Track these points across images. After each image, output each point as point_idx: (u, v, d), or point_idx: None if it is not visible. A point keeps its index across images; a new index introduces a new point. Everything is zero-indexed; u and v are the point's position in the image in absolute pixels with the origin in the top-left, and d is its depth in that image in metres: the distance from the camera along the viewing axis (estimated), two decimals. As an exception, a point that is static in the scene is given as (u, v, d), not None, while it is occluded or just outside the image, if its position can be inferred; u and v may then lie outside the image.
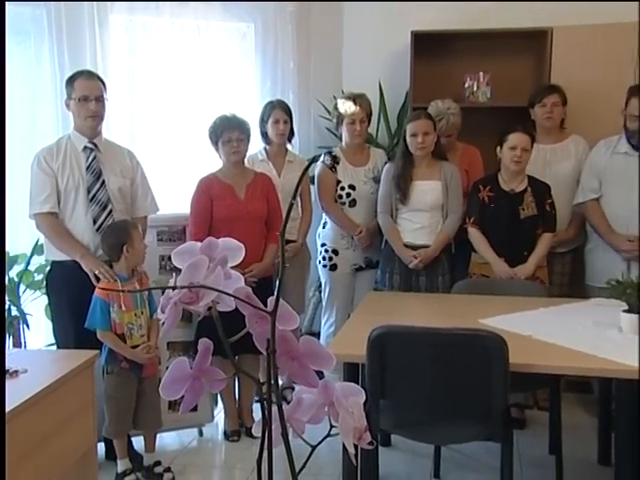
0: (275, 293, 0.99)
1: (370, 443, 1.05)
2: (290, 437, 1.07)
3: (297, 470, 1.00)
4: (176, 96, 4.44)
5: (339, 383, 1.09)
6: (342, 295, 4.18)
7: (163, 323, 1.02)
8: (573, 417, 3.83)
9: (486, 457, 3.31)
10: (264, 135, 4.09)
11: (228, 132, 3.57)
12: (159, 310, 1.03)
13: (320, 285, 4.41)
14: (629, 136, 3.75)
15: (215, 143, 3.64)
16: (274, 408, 0.99)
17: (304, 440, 1.08)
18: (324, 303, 4.30)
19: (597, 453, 3.44)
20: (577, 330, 2.81)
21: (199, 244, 1.09)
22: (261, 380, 1.03)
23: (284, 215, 0.97)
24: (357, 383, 2.76)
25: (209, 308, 1.03)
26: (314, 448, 1.06)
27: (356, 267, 4.16)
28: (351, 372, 2.74)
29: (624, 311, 2.74)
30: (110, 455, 3.34)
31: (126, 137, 4.12)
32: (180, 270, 1.03)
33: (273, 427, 1.01)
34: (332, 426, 1.06)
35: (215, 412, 3.88)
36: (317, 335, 4.48)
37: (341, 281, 4.17)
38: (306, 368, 1.04)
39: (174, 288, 1.01)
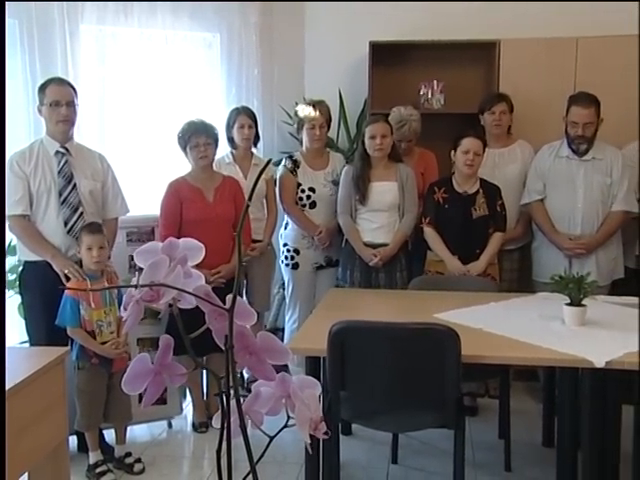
0: (233, 291, 0.98)
1: (325, 433, 1.04)
2: (250, 428, 1.07)
3: (255, 460, 0.99)
4: (145, 102, 4.39)
5: (296, 376, 1.09)
6: (304, 293, 4.17)
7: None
8: (521, 404, 3.89)
9: (441, 443, 3.33)
10: (230, 140, 4.08)
11: (196, 137, 3.54)
12: (122, 308, 1.01)
13: (284, 283, 4.40)
14: (570, 141, 3.81)
15: (184, 148, 3.61)
16: (232, 401, 0.98)
17: (262, 431, 1.07)
18: (287, 300, 4.29)
19: (542, 436, 3.49)
20: (524, 323, 2.84)
21: (160, 244, 1.08)
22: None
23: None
24: (319, 376, 2.76)
25: (170, 305, 1.02)
26: (272, 438, 1.05)
27: (317, 266, 4.16)
28: (313, 365, 2.73)
29: (566, 304, 2.78)
30: (82, 447, 3.29)
31: (97, 142, 4.05)
32: (143, 269, 1.01)
33: (232, 419, 1.00)
34: (289, 417, 1.05)
35: (184, 405, 3.85)
36: (281, 331, 4.48)
37: (303, 279, 4.16)
38: (263, 362, 1.03)
39: (136, 287, 0.99)
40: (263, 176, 4.08)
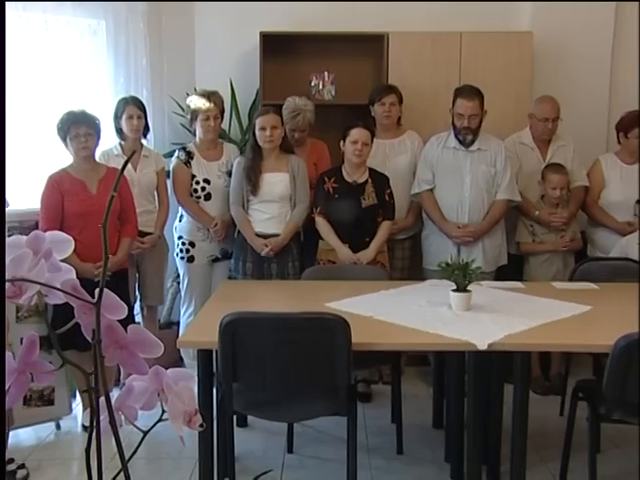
0: (100, 284, 0.95)
1: (201, 425, 1.03)
2: (125, 425, 1.04)
3: (128, 457, 0.97)
4: (24, 91, 4.17)
5: (171, 369, 1.06)
6: (200, 285, 4.12)
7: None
8: (413, 388, 4.00)
9: (336, 430, 3.38)
10: (119, 131, 3.96)
11: (75, 127, 3.41)
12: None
13: (178, 276, 4.33)
14: (456, 132, 3.93)
15: (63, 139, 3.47)
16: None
17: (136, 427, 1.04)
18: (183, 294, 4.22)
19: (432, 418, 3.60)
20: (413, 309, 2.91)
21: (25, 238, 1.04)
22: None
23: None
24: (211, 368, 2.74)
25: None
26: (145, 434, 1.02)
27: (212, 258, 4.12)
28: (205, 358, 2.70)
29: (453, 290, 2.87)
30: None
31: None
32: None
33: (102, 417, 0.97)
34: (164, 411, 1.03)
35: (73, 405, 3.72)
36: (177, 325, 4.41)
37: (198, 272, 4.11)
38: (134, 356, 1.00)
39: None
40: (154, 168, 4.00)
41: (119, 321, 1.00)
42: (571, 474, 2.95)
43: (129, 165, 3.87)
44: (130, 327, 1.00)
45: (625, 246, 3.88)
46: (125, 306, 1.01)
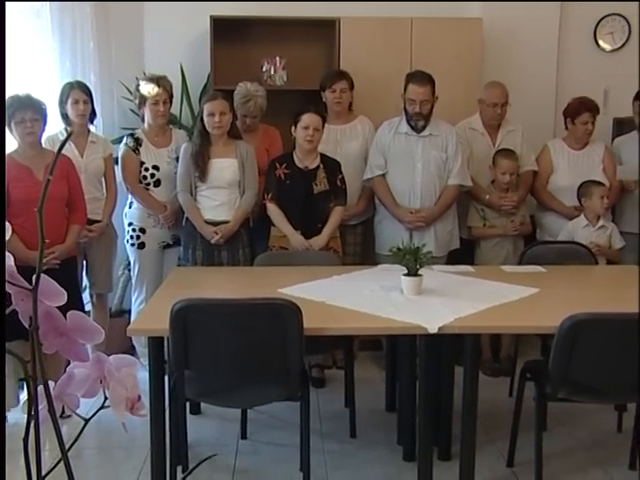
0: (37, 270, 0.93)
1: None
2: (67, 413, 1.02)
3: (67, 446, 0.95)
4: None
5: (114, 356, 1.05)
6: (151, 272, 4.08)
7: None
8: (367, 372, 4.03)
9: (290, 416, 3.37)
10: (64, 116, 3.86)
11: (21, 112, 3.32)
12: None
13: (129, 264, 4.27)
14: (408, 118, 3.95)
15: (8, 124, 3.37)
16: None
17: (78, 415, 1.03)
18: (134, 281, 4.17)
19: (385, 402, 3.64)
20: (365, 294, 2.92)
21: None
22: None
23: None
24: (162, 356, 2.71)
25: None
26: (87, 422, 1.01)
27: (164, 244, 4.07)
28: (156, 346, 2.67)
29: (404, 275, 2.89)
30: None
31: None
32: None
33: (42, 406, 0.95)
34: (106, 398, 1.02)
35: (21, 396, 3.64)
36: (128, 313, 4.35)
37: (149, 259, 4.06)
38: (75, 343, 0.98)
39: None
40: (101, 154, 3.92)
41: (66, 309, 0.98)
42: (519, 452, 3.02)
43: (75, 151, 3.79)
44: (70, 314, 0.98)
45: (571, 230, 3.97)
46: (64, 292, 0.99)
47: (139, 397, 1.00)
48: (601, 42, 4.85)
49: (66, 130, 3.86)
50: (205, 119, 3.72)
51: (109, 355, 1.04)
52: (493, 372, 4.07)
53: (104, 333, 0.99)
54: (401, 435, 3.18)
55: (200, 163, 3.73)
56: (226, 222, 3.76)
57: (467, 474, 2.74)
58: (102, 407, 1.01)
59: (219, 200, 3.78)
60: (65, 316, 0.98)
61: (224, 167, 3.76)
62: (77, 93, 3.78)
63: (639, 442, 3.02)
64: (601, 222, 3.95)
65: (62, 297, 0.97)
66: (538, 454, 2.73)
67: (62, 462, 0.94)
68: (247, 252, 3.83)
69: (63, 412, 1.00)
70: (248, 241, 3.86)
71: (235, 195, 3.81)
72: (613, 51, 4.86)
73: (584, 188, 3.99)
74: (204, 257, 3.79)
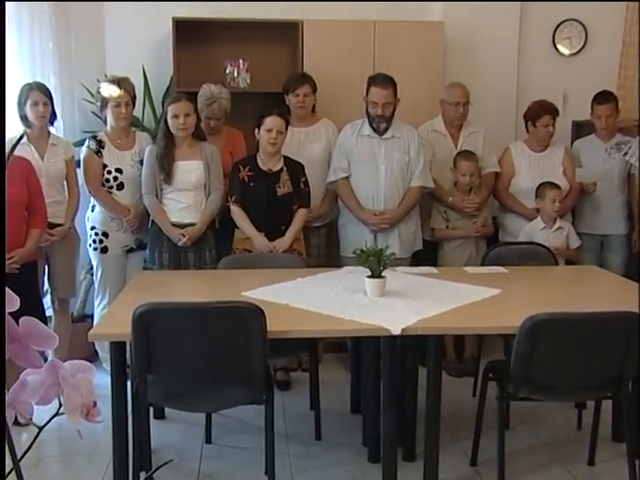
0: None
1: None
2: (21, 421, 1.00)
3: (20, 455, 0.93)
4: None
5: (69, 362, 1.03)
6: (114, 277, 4.02)
7: None
8: (332, 374, 4.02)
9: (255, 419, 3.35)
10: (23, 118, 3.78)
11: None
12: None
13: (92, 268, 4.20)
14: (370, 120, 3.96)
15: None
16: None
17: (32, 423, 1.00)
18: (96, 286, 4.11)
19: (350, 404, 3.64)
20: (329, 296, 2.93)
21: None
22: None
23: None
24: (125, 361, 2.68)
25: None
26: (40, 429, 0.98)
27: (127, 248, 4.02)
28: (118, 351, 2.64)
29: (368, 276, 2.90)
30: None
31: None
32: None
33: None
34: (61, 405, 1.00)
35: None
36: (90, 317, 4.29)
37: (112, 263, 4.01)
38: (27, 349, 0.96)
39: None
40: (62, 157, 3.86)
41: (25, 314, 0.95)
42: (482, 451, 3.04)
43: (36, 154, 3.73)
44: (22, 319, 0.96)
45: (529, 232, 4.02)
46: (17, 298, 0.96)
47: (95, 403, 0.98)
48: (560, 46, 4.93)
49: (26, 133, 3.80)
50: (169, 121, 3.69)
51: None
52: (457, 372, 4.10)
53: (58, 339, 0.97)
54: (366, 436, 3.18)
55: (165, 165, 3.70)
56: (192, 224, 3.74)
57: (431, 474, 2.76)
58: (57, 414, 0.99)
59: (185, 202, 3.76)
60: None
61: (190, 170, 3.74)
62: (36, 94, 3.71)
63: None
64: (558, 223, 4.02)
65: (15, 303, 0.95)
66: (500, 453, 2.76)
67: (14, 472, 0.91)
68: (214, 254, 3.81)
69: (16, 420, 0.98)
70: (214, 243, 3.84)
71: (201, 197, 3.79)
72: (571, 55, 4.95)
73: (540, 189, 4.04)
74: (170, 259, 3.75)
